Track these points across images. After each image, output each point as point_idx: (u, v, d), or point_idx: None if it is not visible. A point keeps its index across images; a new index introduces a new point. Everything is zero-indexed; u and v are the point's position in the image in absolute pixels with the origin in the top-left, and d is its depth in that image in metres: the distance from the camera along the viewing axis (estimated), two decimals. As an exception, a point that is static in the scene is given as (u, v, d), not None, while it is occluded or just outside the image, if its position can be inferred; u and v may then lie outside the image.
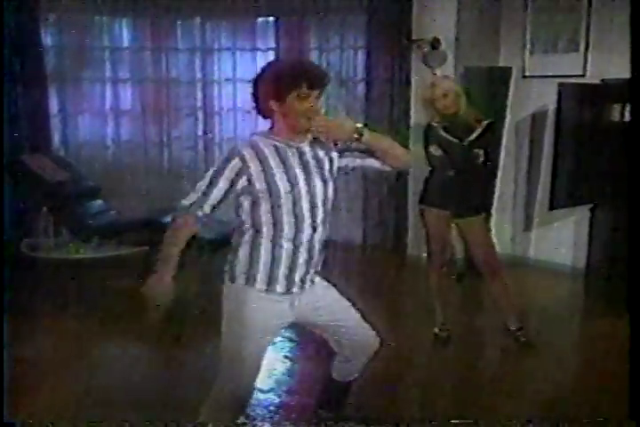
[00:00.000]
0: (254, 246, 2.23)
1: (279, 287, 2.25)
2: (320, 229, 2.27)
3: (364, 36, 5.65)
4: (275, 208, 2.18)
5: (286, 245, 2.22)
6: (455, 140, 3.49)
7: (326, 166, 2.29)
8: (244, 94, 6.08)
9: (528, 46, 5.10)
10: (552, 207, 4.54)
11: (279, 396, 3.17)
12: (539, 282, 4.94)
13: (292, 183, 2.18)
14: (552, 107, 4.62)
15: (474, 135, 3.49)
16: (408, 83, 5.36)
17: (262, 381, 3.32)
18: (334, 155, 2.33)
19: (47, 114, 5.43)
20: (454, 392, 3.27)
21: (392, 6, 5.33)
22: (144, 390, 3.15)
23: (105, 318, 4.12)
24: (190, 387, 3.00)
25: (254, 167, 2.16)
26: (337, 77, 5.90)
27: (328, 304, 2.44)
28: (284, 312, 2.30)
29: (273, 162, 2.18)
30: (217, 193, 2.17)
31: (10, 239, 4.95)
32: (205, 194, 2.18)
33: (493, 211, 4.76)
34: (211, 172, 2.19)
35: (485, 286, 3.84)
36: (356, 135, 2.21)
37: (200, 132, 6.13)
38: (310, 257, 2.28)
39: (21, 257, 4.67)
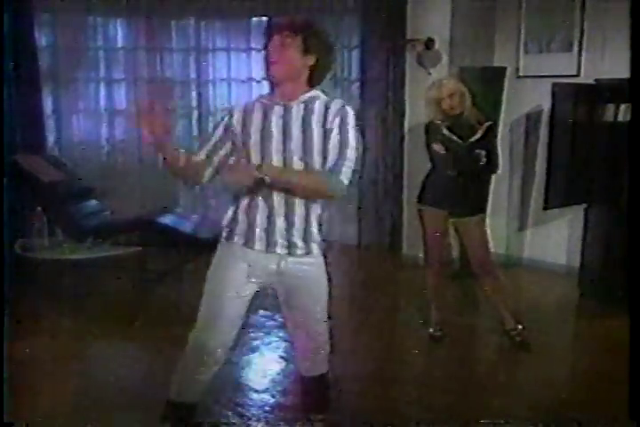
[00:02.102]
0: (235, 201, 2.24)
1: (258, 244, 2.20)
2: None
3: (358, 36, 5.66)
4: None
5: (260, 204, 2.18)
6: (458, 140, 3.51)
7: (315, 133, 2.14)
8: (239, 94, 6.09)
9: (522, 46, 5.11)
10: (546, 207, 4.55)
11: (273, 396, 3.16)
12: (533, 282, 4.96)
13: (264, 135, 2.15)
14: (546, 107, 4.64)
15: (476, 136, 3.51)
16: (402, 83, 5.36)
17: (257, 381, 3.33)
18: (334, 133, 2.14)
19: (41, 114, 5.41)
20: (449, 392, 3.26)
21: (386, 6, 5.34)
22: (141, 390, 3.14)
23: (99, 319, 4.11)
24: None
25: (237, 117, 2.20)
26: (331, 77, 5.90)
27: (306, 286, 2.30)
28: (266, 270, 2.23)
29: (255, 115, 2.18)
30: (212, 140, 2.25)
31: (3, 239, 4.93)
32: (202, 145, 2.28)
33: (488, 211, 4.76)
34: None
35: (480, 285, 3.85)
36: (257, 177, 2.08)
37: (195, 133, 6.11)
38: (286, 217, 2.18)
39: (15, 257, 4.64)
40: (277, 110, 2.17)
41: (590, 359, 3.59)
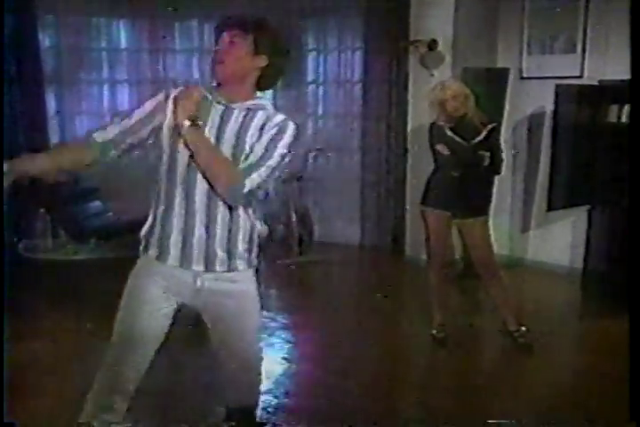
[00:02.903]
0: (154, 207, 2.05)
1: (171, 259, 1.99)
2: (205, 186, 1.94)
3: (361, 37, 5.66)
4: (167, 166, 1.98)
5: (178, 210, 1.98)
6: (462, 141, 3.51)
7: (247, 142, 1.95)
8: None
9: (525, 47, 5.10)
10: (550, 208, 4.54)
11: (277, 397, 3.16)
12: (536, 283, 4.95)
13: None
14: (549, 108, 4.63)
15: (479, 137, 3.51)
16: (405, 84, 5.36)
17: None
18: (264, 140, 1.95)
19: (45, 115, 5.43)
20: (451, 393, 3.26)
21: (389, 8, 5.34)
22: (143, 391, 3.14)
23: (102, 319, 4.11)
24: (191, 389, 3.01)
25: (170, 106, 1.97)
26: (335, 79, 5.92)
27: (230, 307, 2.05)
28: (182, 287, 2.02)
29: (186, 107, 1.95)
30: (127, 121, 2.01)
31: (7, 240, 4.95)
32: (114, 121, 2.04)
33: (491, 212, 4.76)
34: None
35: (483, 287, 3.85)
36: (185, 123, 1.90)
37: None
38: (207, 227, 1.96)
39: (19, 258, 4.66)
40: (218, 109, 1.99)
41: (593, 361, 3.58)
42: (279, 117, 2.00)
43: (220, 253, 1.98)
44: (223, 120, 1.98)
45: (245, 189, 1.91)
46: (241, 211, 1.99)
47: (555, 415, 2.89)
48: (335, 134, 6.03)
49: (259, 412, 2.97)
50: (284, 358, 3.61)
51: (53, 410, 2.96)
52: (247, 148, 1.95)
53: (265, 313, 4.23)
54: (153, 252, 2.02)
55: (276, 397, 3.15)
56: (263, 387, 3.17)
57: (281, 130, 1.97)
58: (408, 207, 5.51)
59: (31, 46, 5.19)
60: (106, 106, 5.83)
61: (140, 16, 5.75)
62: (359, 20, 5.60)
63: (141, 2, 5.59)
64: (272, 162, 1.94)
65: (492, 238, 3.76)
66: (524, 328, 3.70)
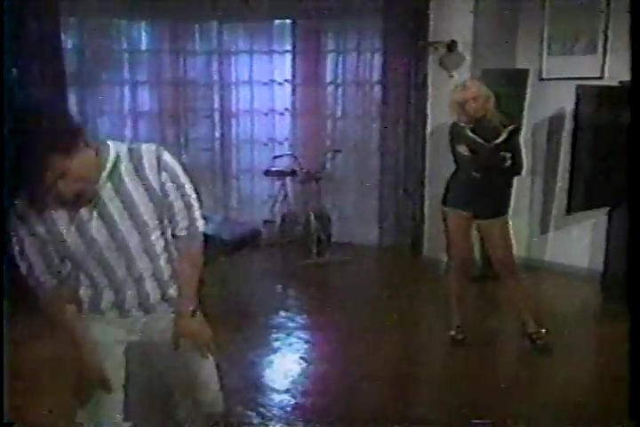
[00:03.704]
0: None
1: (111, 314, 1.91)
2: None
3: (380, 38, 5.67)
4: None
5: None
6: (483, 142, 3.51)
7: None
8: (261, 96, 6.12)
9: (545, 48, 5.08)
10: (569, 210, 4.51)
11: (294, 397, 3.18)
12: (555, 285, 4.92)
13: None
14: (569, 109, 4.61)
15: (500, 139, 3.51)
16: (425, 85, 5.36)
17: (278, 382, 3.35)
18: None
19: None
20: (470, 395, 3.26)
21: (409, 9, 5.34)
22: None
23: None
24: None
25: None
26: (354, 80, 5.93)
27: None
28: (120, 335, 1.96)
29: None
30: None
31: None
32: None
33: (510, 213, 4.75)
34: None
35: (502, 288, 3.84)
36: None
37: (217, 134, 6.16)
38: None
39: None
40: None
41: (612, 363, 3.56)
42: None
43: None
44: None
45: None
46: None
47: (573, 417, 2.89)
48: (354, 135, 6.04)
49: (276, 411, 3.02)
50: (302, 358, 3.63)
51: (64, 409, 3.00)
52: None
53: (283, 313, 4.27)
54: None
55: (293, 396, 3.17)
56: (280, 387, 3.24)
57: None
58: (427, 208, 5.51)
59: (54, 47, 5.25)
60: (127, 107, 5.89)
61: (160, 18, 5.80)
62: (378, 21, 5.61)
63: (162, 4, 5.64)
64: None
65: (512, 238, 3.75)
66: (543, 330, 3.69)
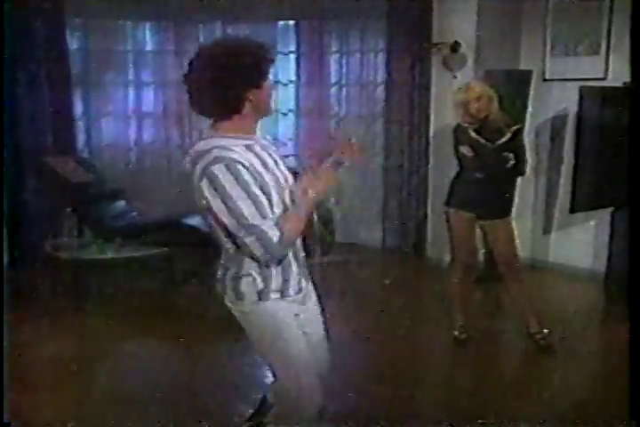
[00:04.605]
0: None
1: (292, 290, 2.12)
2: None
3: (384, 39, 5.67)
4: None
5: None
6: (486, 143, 3.52)
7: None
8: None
9: (549, 49, 5.08)
10: (573, 210, 4.52)
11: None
12: (558, 285, 4.93)
13: (277, 183, 2.01)
14: (572, 110, 4.61)
15: (503, 139, 3.52)
16: (428, 86, 5.37)
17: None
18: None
19: (72, 116, 5.51)
20: (473, 395, 3.27)
21: (412, 9, 5.34)
22: (160, 391, 3.19)
23: (126, 318, 4.18)
24: (206, 389, 3.04)
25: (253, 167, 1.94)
26: (357, 80, 5.94)
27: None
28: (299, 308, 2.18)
29: (254, 161, 1.95)
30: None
31: (35, 239, 5.05)
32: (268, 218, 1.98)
33: (513, 213, 4.76)
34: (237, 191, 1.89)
35: (505, 288, 3.85)
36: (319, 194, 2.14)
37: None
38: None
39: (46, 257, 4.74)
40: (260, 148, 2.06)
41: (615, 364, 3.57)
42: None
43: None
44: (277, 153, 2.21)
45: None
46: None
47: (575, 416, 2.89)
48: (357, 136, 6.04)
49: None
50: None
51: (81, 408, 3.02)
52: None
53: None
54: (275, 294, 2.10)
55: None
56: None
57: None
58: (430, 209, 5.52)
59: (59, 48, 5.28)
60: (131, 107, 5.91)
61: (164, 19, 5.82)
62: (382, 22, 5.61)
63: (167, 5, 5.66)
64: None
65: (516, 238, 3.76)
66: (545, 330, 3.70)
